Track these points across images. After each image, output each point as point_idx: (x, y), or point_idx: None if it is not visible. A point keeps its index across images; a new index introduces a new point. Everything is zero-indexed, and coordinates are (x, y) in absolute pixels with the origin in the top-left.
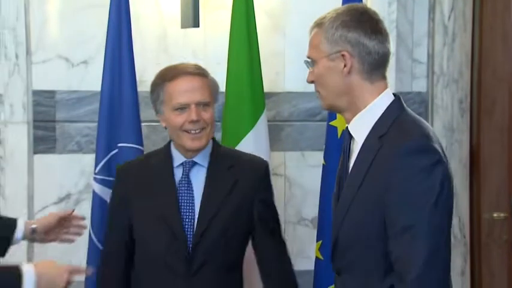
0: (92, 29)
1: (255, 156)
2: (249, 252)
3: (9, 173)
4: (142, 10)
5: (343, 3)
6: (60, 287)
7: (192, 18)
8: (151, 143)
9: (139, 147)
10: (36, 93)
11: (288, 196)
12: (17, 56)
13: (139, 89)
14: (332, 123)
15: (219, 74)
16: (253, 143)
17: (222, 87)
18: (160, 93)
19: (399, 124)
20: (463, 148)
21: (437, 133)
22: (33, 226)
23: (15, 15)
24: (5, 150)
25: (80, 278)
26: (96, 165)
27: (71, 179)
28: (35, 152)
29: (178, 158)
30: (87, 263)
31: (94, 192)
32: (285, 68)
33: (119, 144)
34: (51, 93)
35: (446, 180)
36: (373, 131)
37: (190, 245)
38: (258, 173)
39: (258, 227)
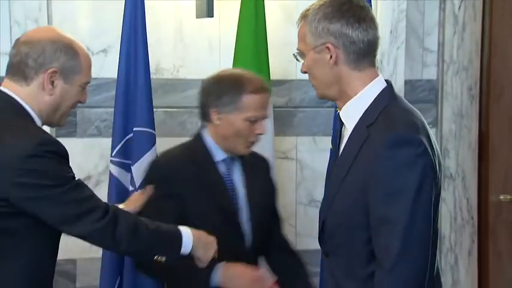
0: (110, 20)
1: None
2: None
3: None
4: (159, 1)
5: None
6: (210, 253)
7: (206, 8)
8: (168, 128)
9: (152, 131)
10: None
11: (300, 179)
12: None
13: (156, 76)
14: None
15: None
16: None
17: None
18: (235, 99)
19: (387, 113)
20: (472, 133)
21: (447, 119)
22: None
23: (38, 7)
24: None
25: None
26: (112, 149)
27: (91, 162)
28: (57, 136)
29: (219, 154)
30: None
31: (111, 174)
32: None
33: (134, 129)
34: None
35: (430, 172)
36: (362, 119)
37: (246, 230)
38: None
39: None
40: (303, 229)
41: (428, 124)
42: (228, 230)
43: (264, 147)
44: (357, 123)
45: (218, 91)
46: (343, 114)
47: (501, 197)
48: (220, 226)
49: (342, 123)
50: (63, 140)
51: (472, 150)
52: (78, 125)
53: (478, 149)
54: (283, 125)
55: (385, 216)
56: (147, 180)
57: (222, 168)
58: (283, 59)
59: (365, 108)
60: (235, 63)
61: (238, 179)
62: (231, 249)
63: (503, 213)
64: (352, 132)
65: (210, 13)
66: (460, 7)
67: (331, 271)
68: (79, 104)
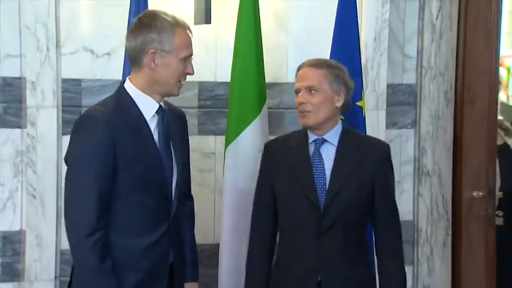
0: (114, 24)
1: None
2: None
3: (41, 151)
4: (160, 7)
5: (339, 3)
6: None
7: (204, 15)
8: None
9: None
10: (64, 81)
11: None
12: (48, 48)
13: None
14: None
15: (228, 67)
16: (259, 128)
17: (228, 78)
18: None
19: None
20: (447, 134)
21: (425, 120)
22: None
23: (47, 12)
24: (36, 132)
25: None
26: None
27: None
28: (63, 133)
29: (311, 136)
30: None
31: None
32: (287, 61)
33: None
34: (77, 81)
35: None
36: None
37: (322, 209)
38: (380, 155)
39: (377, 205)
40: None
41: (408, 125)
42: (303, 204)
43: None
44: None
45: None
46: None
47: (474, 193)
48: (298, 200)
49: None
50: (68, 137)
51: (448, 150)
52: None
53: (453, 148)
54: (275, 124)
55: None
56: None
57: (311, 149)
58: (275, 63)
59: None
60: (234, 66)
61: (328, 159)
62: (304, 222)
63: (476, 208)
64: None
65: (207, 20)
66: (437, 17)
67: None
68: (84, 104)
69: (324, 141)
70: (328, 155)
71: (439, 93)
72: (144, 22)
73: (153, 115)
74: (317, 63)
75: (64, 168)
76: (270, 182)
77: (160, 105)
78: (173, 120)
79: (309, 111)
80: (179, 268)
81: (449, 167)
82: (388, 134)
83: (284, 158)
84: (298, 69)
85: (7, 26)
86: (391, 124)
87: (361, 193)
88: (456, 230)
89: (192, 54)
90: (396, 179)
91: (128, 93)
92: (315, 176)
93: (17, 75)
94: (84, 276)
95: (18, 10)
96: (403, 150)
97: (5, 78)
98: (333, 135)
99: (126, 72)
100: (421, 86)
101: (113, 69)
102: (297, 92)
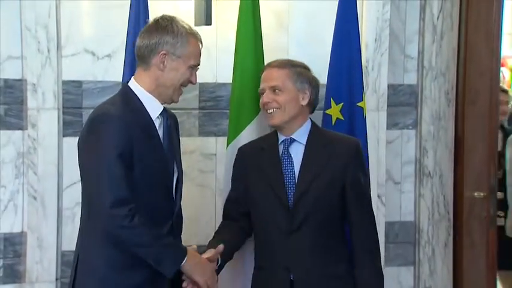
0: (115, 26)
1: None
2: None
3: (41, 153)
4: (161, 9)
5: (340, 3)
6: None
7: (204, 17)
8: None
9: None
10: (65, 83)
11: None
12: (48, 50)
13: None
14: (327, 111)
15: (228, 68)
16: (257, 129)
17: (230, 79)
18: None
19: None
20: (448, 134)
21: (426, 121)
22: None
23: (47, 14)
24: (37, 133)
25: None
26: None
27: None
28: (64, 135)
29: (281, 137)
30: None
31: None
32: None
33: None
34: (78, 83)
35: None
36: None
37: (291, 207)
38: (349, 151)
39: (348, 200)
40: None
41: (409, 126)
42: (273, 201)
43: None
44: None
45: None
46: None
47: (475, 194)
48: (268, 198)
49: None
50: (70, 139)
51: (449, 150)
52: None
53: (454, 149)
54: None
55: None
56: None
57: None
58: None
59: None
60: (236, 68)
61: (297, 159)
62: (273, 219)
63: (477, 208)
64: None
65: (208, 21)
66: (438, 17)
67: None
68: (85, 106)
69: (293, 140)
70: (297, 154)
71: (440, 94)
72: (161, 24)
73: (157, 116)
74: (280, 64)
75: (65, 169)
76: (242, 183)
77: (164, 107)
78: (170, 121)
79: (274, 109)
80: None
81: (451, 167)
82: (389, 134)
83: (255, 160)
84: (262, 71)
85: (8, 27)
86: (392, 125)
87: (331, 190)
88: (457, 231)
89: (199, 65)
90: (397, 179)
91: (135, 93)
92: (285, 175)
93: (18, 77)
94: (145, 248)
95: (19, 12)
96: (404, 151)
97: (6, 80)
98: (301, 135)
99: (126, 74)
100: (422, 86)
101: (113, 70)
102: (262, 92)
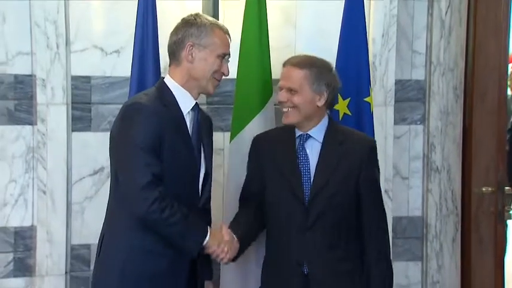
0: (123, 22)
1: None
2: None
3: (51, 148)
4: (168, 5)
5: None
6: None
7: (212, 14)
8: None
9: None
10: (74, 78)
11: None
12: (57, 46)
13: (164, 75)
14: (335, 106)
15: (235, 64)
16: (261, 123)
17: (235, 75)
18: None
19: None
20: (456, 129)
21: (434, 116)
22: None
23: (56, 10)
24: (47, 128)
25: None
26: None
27: (104, 154)
28: (73, 130)
29: (297, 131)
30: None
31: None
32: None
33: None
34: (87, 79)
35: None
36: None
37: (307, 203)
38: (365, 150)
39: (363, 198)
40: None
41: (417, 121)
42: (289, 196)
43: None
44: None
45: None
46: None
47: (483, 189)
48: (284, 192)
49: None
50: (78, 134)
51: (457, 145)
52: (93, 120)
53: (462, 144)
54: (281, 120)
55: None
56: None
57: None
58: (283, 59)
59: None
60: (241, 63)
61: (313, 154)
62: (289, 214)
63: (485, 203)
64: None
65: (215, 17)
66: (446, 12)
67: None
68: (94, 101)
69: (309, 137)
70: (313, 150)
71: (448, 89)
72: (186, 19)
73: (189, 111)
74: (300, 63)
75: (74, 164)
76: (259, 173)
77: (196, 102)
78: (203, 118)
79: (290, 108)
80: (201, 265)
81: (459, 162)
82: (397, 130)
83: (271, 151)
84: (284, 65)
85: (17, 24)
86: (400, 120)
87: (346, 188)
88: (465, 226)
89: (229, 54)
90: (405, 175)
91: (169, 88)
92: (301, 171)
93: (28, 73)
94: (173, 227)
95: (28, 8)
96: (412, 146)
97: (15, 76)
98: (318, 132)
99: (134, 69)
100: (430, 82)
101: (122, 66)
102: (280, 89)
